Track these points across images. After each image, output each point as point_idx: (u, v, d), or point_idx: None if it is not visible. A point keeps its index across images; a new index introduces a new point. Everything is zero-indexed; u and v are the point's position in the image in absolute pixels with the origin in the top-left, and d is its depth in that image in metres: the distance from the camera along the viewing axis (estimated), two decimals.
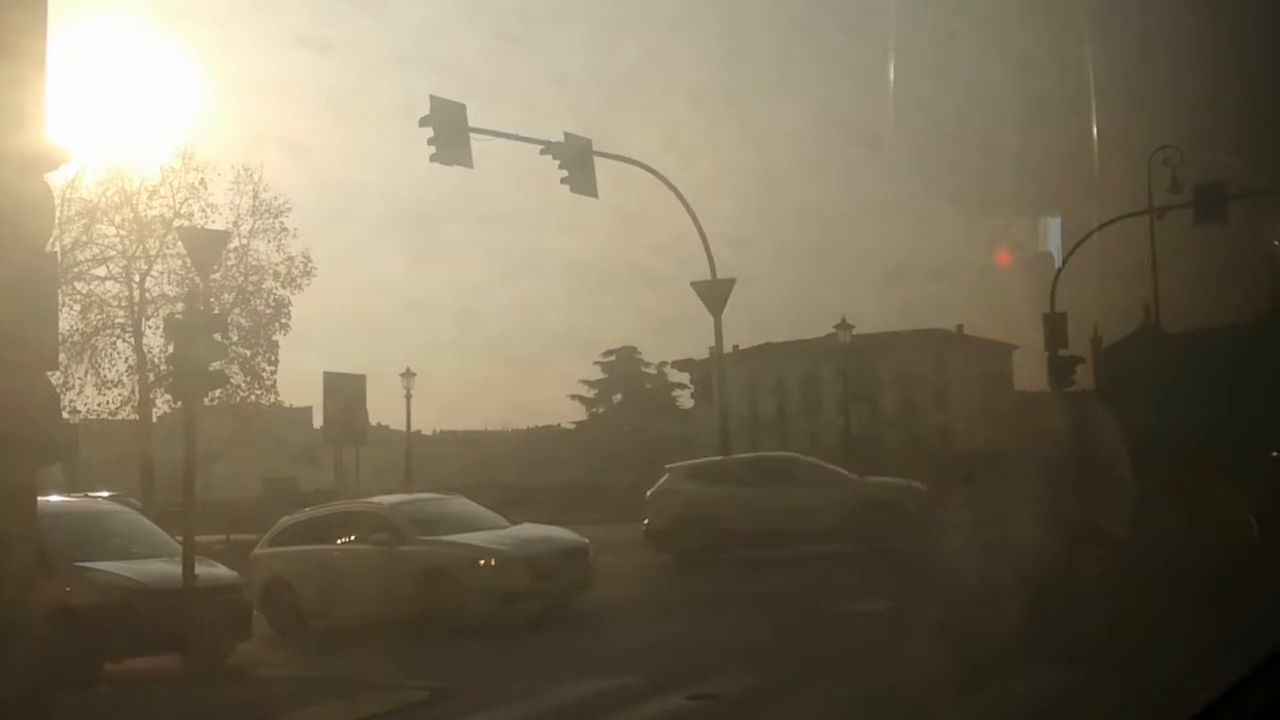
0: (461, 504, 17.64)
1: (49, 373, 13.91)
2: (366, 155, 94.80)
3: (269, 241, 34.78)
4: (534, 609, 15.00)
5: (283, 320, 35.50)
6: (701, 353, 36.65)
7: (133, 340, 34.56)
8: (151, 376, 33.94)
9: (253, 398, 35.89)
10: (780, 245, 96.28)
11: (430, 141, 22.08)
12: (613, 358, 75.80)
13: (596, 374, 76.94)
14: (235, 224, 33.59)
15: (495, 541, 15.83)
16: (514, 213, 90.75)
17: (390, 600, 15.27)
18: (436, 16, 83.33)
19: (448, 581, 15.19)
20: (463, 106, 22.44)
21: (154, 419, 34.95)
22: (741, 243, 77.10)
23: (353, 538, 16.45)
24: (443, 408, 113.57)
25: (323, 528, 17.09)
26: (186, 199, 33.64)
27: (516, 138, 24.42)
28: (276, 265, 34.92)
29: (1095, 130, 26.94)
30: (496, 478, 43.45)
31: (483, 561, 15.37)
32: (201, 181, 33.79)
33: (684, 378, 64.43)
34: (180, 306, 31.80)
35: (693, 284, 25.65)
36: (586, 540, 16.53)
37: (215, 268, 20.91)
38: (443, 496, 18.58)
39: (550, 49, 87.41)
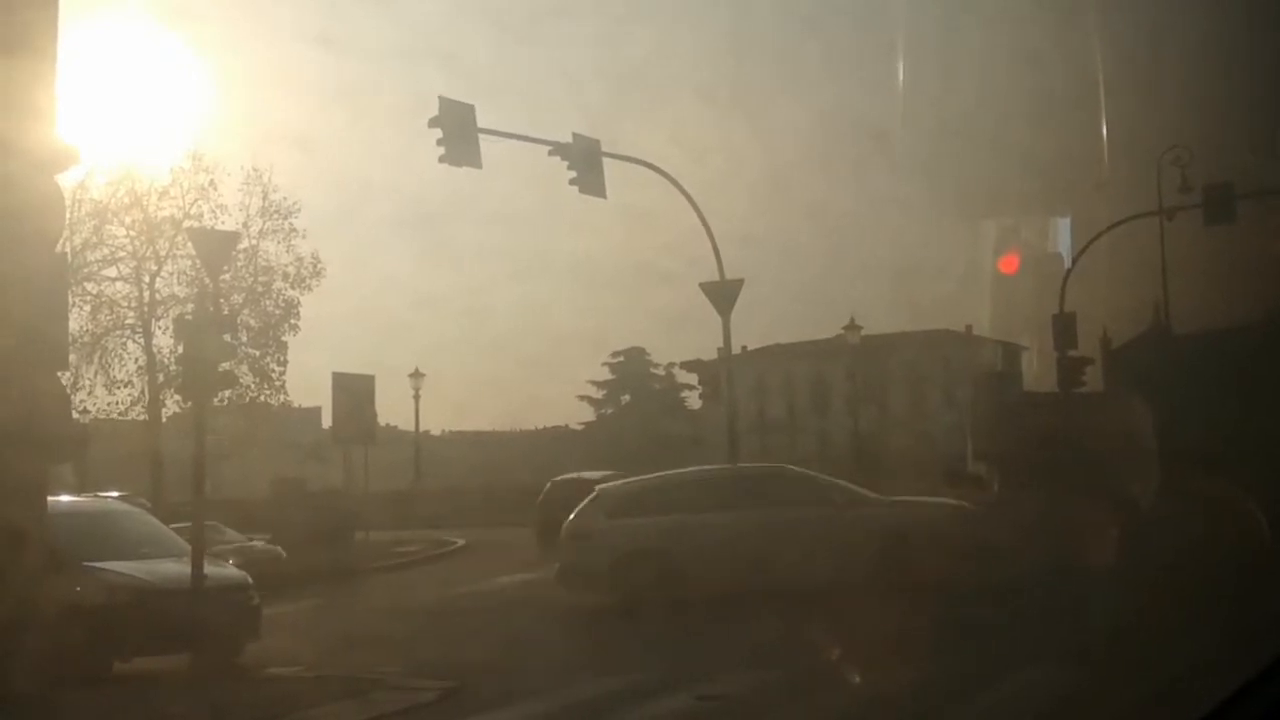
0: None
1: (59, 373, 13.96)
2: (376, 153, 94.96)
3: (278, 242, 34.83)
4: None
5: (292, 321, 35.57)
6: (711, 353, 36.71)
7: (142, 341, 34.64)
8: (161, 377, 34.00)
9: (262, 398, 35.95)
10: (788, 244, 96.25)
11: (439, 142, 22.10)
12: (621, 359, 75.77)
13: (605, 375, 76.98)
14: (245, 225, 33.64)
15: None
16: (523, 212, 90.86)
17: (839, 566, 14.60)
18: (446, 13, 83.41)
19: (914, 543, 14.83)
20: (471, 107, 22.45)
21: (164, 419, 35.01)
22: (749, 241, 76.93)
23: (768, 502, 15.88)
24: (451, 408, 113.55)
25: (690, 492, 16.67)
26: (196, 200, 33.69)
27: (525, 139, 24.44)
28: (286, 266, 34.97)
29: (1105, 130, 26.92)
30: (506, 478, 43.44)
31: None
32: (211, 183, 33.85)
33: (692, 378, 64.41)
34: (190, 307, 31.92)
35: (701, 285, 25.60)
36: None
37: (225, 269, 20.88)
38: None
39: (559, 46, 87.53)
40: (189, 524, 22.02)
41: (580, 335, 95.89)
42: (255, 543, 23.36)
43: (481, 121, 22.69)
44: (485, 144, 22.76)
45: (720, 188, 79.47)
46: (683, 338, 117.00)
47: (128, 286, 34.64)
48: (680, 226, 26.47)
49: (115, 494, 25.40)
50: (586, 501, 17.06)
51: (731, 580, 14.82)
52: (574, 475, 34.25)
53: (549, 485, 32.76)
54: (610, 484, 17.84)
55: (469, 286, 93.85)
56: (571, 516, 17.03)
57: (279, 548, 23.33)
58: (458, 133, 22.08)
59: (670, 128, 79.66)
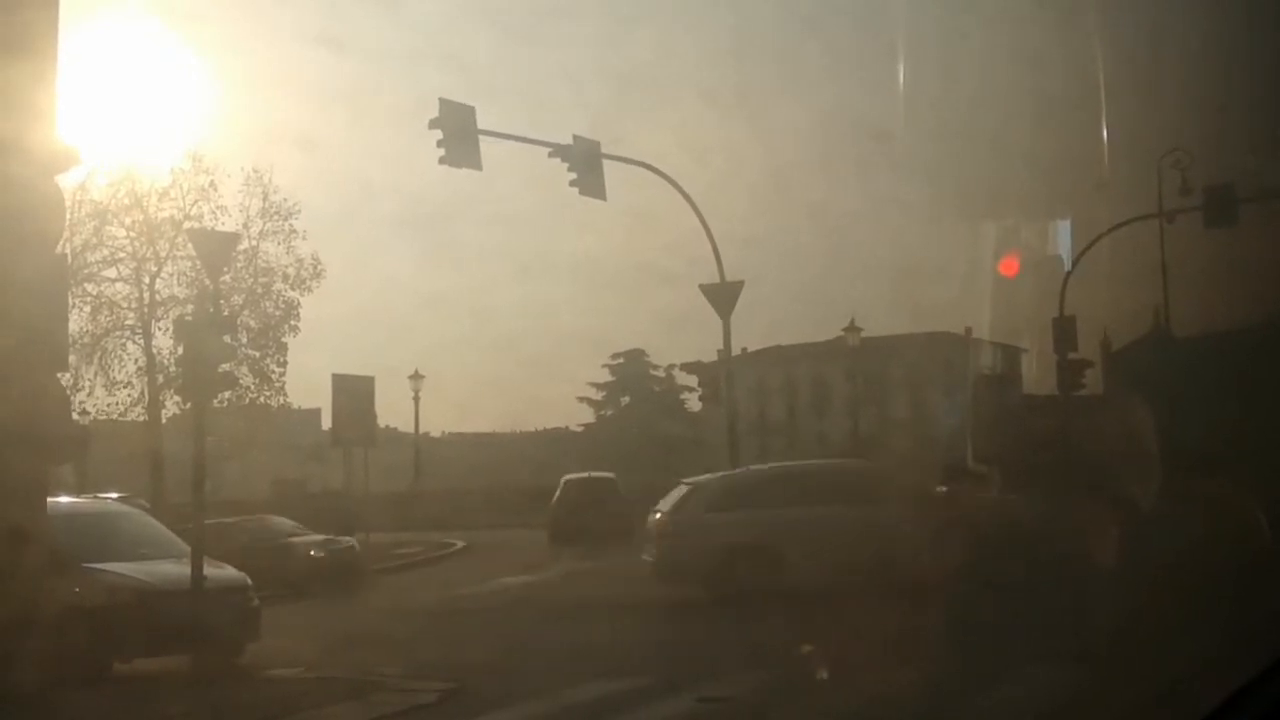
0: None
1: (59, 374, 13.97)
2: (378, 154, 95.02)
3: (279, 243, 34.91)
4: None
5: (292, 322, 35.64)
6: (712, 353, 36.65)
7: (142, 342, 34.70)
8: (161, 378, 34.03)
9: (262, 399, 36.01)
10: (789, 245, 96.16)
11: (439, 144, 22.12)
12: (621, 360, 75.81)
13: (604, 377, 77.01)
14: (245, 226, 33.72)
15: None
16: (525, 212, 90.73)
17: (932, 562, 14.12)
18: (448, 14, 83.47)
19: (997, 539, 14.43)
20: (472, 109, 22.47)
21: (163, 420, 35.04)
22: (751, 242, 77.02)
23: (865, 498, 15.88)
24: (452, 409, 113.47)
25: (784, 487, 16.78)
26: (196, 201, 33.75)
27: (526, 140, 24.47)
28: (286, 267, 35.05)
29: (1105, 132, 26.90)
30: (506, 479, 43.46)
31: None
32: (211, 184, 33.92)
33: (692, 380, 64.40)
34: (190, 308, 32.03)
35: (701, 286, 25.62)
36: None
37: (225, 270, 20.91)
38: None
39: (561, 47, 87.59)
40: (232, 518, 22.52)
41: (581, 336, 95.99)
42: (336, 536, 23.89)
43: (483, 122, 22.73)
44: (487, 145, 22.80)
45: (721, 188, 79.64)
46: (684, 339, 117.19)
47: (128, 287, 34.72)
48: (682, 227, 26.53)
49: (115, 495, 25.41)
50: (681, 495, 17.20)
51: (831, 574, 14.69)
52: (585, 474, 34.43)
53: (563, 484, 32.90)
54: (702, 479, 17.94)
55: (470, 287, 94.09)
56: (664, 510, 17.19)
57: (354, 540, 23.82)
58: (458, 134, 22.10)
59: (672, 129, 79.88)
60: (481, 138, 22.58)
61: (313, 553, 22.39)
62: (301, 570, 21.30)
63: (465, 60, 75.52)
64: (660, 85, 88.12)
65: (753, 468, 20.82)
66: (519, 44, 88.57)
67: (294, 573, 20.84)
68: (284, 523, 23.96)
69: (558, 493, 33.45)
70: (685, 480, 18.73)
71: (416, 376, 40.89)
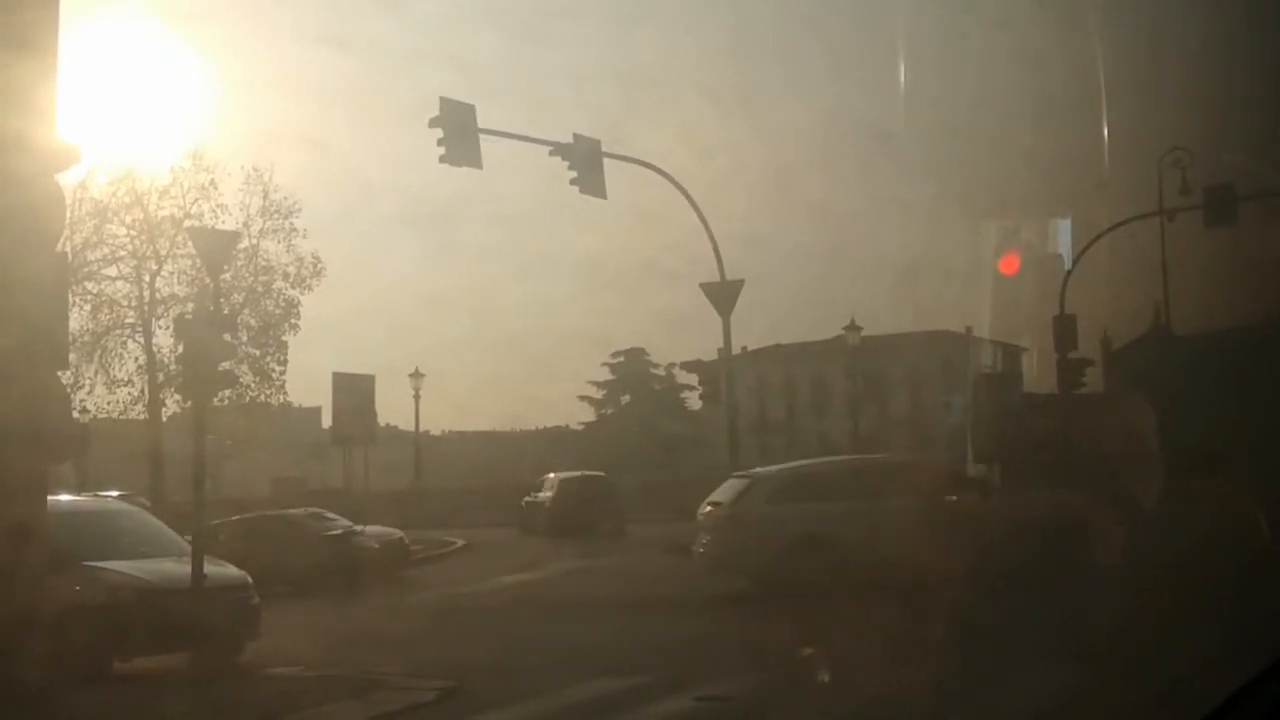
0: None
1: (59, 372, 13.95)
2: (381, 152, 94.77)
3: (279, 242, 34.94)
4: None
5: (292, 320, 35.66)
6: (713, 352, 36.67)
7: (143, 340, 34.72)
8: (161, 376, 34.05)
9: (262, 398, 36.02)
10: (790, 244, 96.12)
11: (440, 142, 22.14)
12: (621, 359, 75.76)
13: (605, 375, 76.97)
14: (245, 224, 33.74)
15: None
16: (528, 211, 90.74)
17: (998, 555, 14.39)
18: (451, 13, 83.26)
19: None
20: (472, 107, 22.49)
21: (164, 418, 35.05)
22: (752, 241, 77.12)
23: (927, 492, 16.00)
24: (453, 407, 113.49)
25: (845, 479, 16.98)
26: (197, 199, 33.78)
27: (526, 139, 24.50)
28: (286, 266, 35.08)
29: (1106, 131, 26.90)
30: (506, 478, 43.46)
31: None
32: (212, 182, 33.94)
33: (692, 379, 64.36)
34: (190, 306, 32.02)
35: (701, 285, 25.66)
36: None
37: (225, 268, 20.89)
38: None
39: (564, 46, 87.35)
40: (274, 511, 22.96)
41: (582, 335, 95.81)
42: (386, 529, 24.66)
43: (486, 121, 22.76)
44: (490, 144, 22.86)
45: (723, 188, 79.52)
46: (686, 337, 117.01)
47: (128, 286, 34.73)
48: (683, 226, 26.59)
49: (115, 493, 25.43)
50: (740, 488, 17.28)
51: (895, 567, 14.44)
52: (580, 473, 34.70)
53: (559, 482, 33.21)
54: (760, 471, 18.08)
55: (471, 286, 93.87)
56: (724, 501, 17.18)
57: (403, 533, 24.57)
58: (458, 133, 22.12)
59: (675, 128, 79.81)
60: (482, 136, 22.61)
61: (375, 545, 23.03)
62: (360, 561, 21.94)
63: (467, 59, 75.47)
64: (662, 85, 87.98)
65: (808, 462, 20.93)
66: (521, 43, 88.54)
67: (353, 563, 21.57)
68: (328, 515, 24.43)
69: (552, 491, 33.63)
70: (740, 473, 18.80)
71: (417, 375, 40.92)
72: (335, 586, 20.11)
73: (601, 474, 35.43)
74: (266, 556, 18.62)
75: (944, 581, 13.19)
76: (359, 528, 23.61)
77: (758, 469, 19.49)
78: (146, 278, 34.53)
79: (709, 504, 17.55)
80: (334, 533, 23.00)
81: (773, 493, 16.96)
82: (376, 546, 22.97)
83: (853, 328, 40.95)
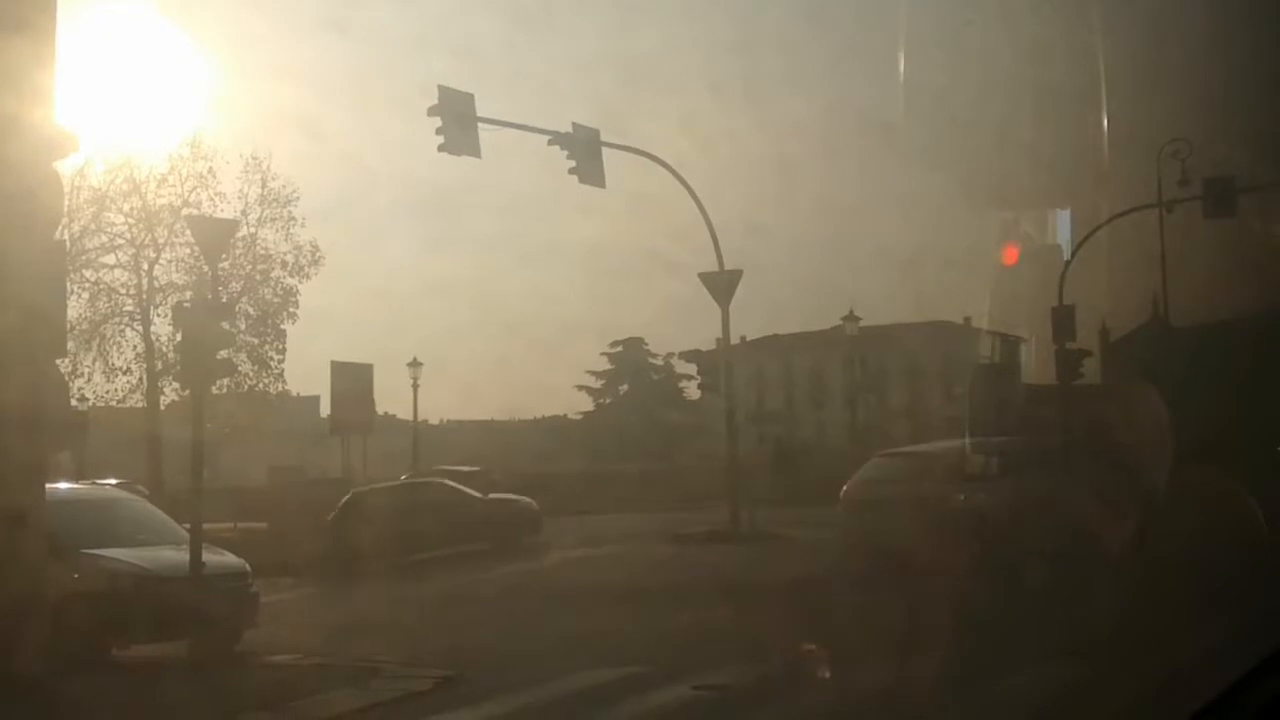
0: None
1: (57, 360, 13.96)
2: (383, 140, 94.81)
3: (277, 230, 34.94)
4: None
5: (290, 309, 35.67)
6: (711, 342, 36.64)
7: (141, 328, 34.73)
8: (159, 364, 34.06)
9: (260, 386, 36.04)
10: (793, 234, 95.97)
11: (439, 131, 22.11)
12: (619, 349, 75.79)
13: (603, 365, 77.00)
14: (244, 212, 33.75)
15: None
16: (530, 199, 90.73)
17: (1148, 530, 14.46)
18: (451, 1, 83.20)
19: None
20: (471, 96, 22.46)
21: (162, 406, 35.07)
22: (755, 231, 77.01)
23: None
24: (452, 397, 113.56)
25: (1000, 460, 17.02)
26: (195, 187, 33.77)
27: (524, 128, 24.47)
28: (285, 254, 35.08)
29: (1106, 123, 26.91)
30: (505, 467, 43.47)
31: None
32: (210, 170, 33.92)
33: (691, 369, 64.39)
34: (188, 295, 32.03)
35: (700, 275, 25.66)
36: None
37: (223, 256, 20.90)
38: None
39: (568, 36, 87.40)
40: (403, 478, 23.55)
41: (582, 324, 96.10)
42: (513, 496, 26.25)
43: (487, 110, 22.76)
44: (491, 132, 22.85)
45: (725, 178, 79.71)
46: (689, 324, 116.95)
47: (126, 274, 34.72)
48: (686, 215, 26.56)
49: (114, 481, 25.45)
50: (882, 467, 17.32)
51: (1049, 545, 14.43)
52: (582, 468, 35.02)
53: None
54: (900, 450, 18.19)
55: (471, 275, 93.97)
56: (862, 483, 17.14)
57: (531, 500, 25.76)
58: (457, 121, 22.10)
59: (675, 118, 79.83)
60: (483, 125, 22.59)
61: (530, 502, 25.15)
62: (507, 522, 23.89)
63: (469, 47, 75.51)
64: (665, 76, 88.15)
65: (944, 443, 20.43)
66: (524, 32, 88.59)
67: (501, 525, 23.56)
68: (454, 484, 25.84)
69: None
70: (882, 452, 18.92)
71: (415, 364, 40.88)
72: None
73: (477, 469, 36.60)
74: (425, 522, 21.84)
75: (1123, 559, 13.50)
76: (512, 496, 25.68)
77: (898, 448, 19.67)
78: (145, 266, 34.54)
79: (849, 485, 17.31)
80: (495, 496, 25.10)
81: (931, 471, 16.66)
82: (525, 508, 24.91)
83: (851, 318, 41.02)
